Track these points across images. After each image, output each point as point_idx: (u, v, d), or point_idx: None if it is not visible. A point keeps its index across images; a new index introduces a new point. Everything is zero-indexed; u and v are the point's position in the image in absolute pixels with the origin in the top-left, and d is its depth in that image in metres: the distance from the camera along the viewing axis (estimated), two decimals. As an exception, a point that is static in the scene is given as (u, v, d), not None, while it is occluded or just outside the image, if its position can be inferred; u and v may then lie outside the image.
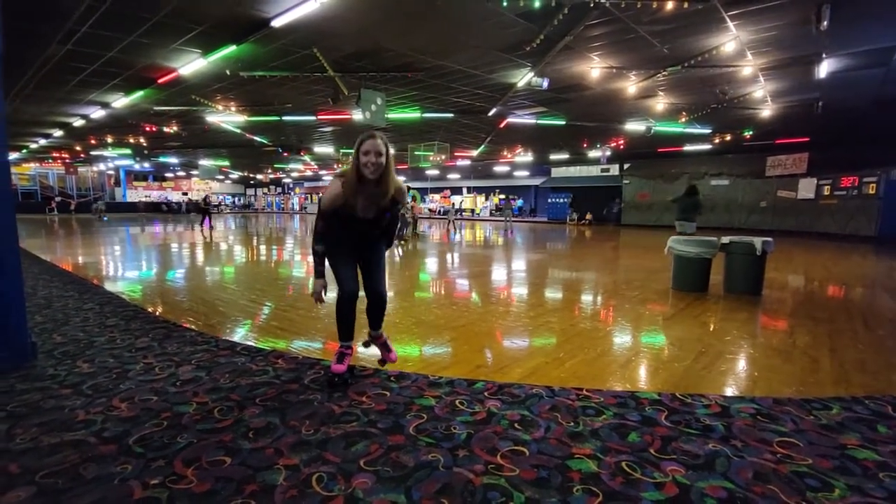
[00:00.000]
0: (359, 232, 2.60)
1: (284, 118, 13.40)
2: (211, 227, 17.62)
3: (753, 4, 5.76)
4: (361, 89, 9.50)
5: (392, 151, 2.48)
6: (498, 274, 7.63)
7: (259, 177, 39.97)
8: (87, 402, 2.39)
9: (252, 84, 9.81)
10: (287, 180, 44.72)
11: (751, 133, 14.81)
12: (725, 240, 5.70)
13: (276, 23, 6.37)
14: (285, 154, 22.34)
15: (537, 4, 5.59)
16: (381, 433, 2.07)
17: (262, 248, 11.89)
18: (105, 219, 24.33)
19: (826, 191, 16.76)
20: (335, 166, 26.84)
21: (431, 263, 8.89)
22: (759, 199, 19.31)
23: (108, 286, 5.85)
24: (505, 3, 5.60)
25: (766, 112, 11.55)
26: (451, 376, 2.81)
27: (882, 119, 12.13)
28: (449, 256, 10.06)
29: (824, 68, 7.96)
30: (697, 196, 9.33)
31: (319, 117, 13.25)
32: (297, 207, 46.02)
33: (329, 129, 15.92)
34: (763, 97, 10.31)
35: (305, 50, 7.75)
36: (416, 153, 19.36)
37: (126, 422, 2.18)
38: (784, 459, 1.89)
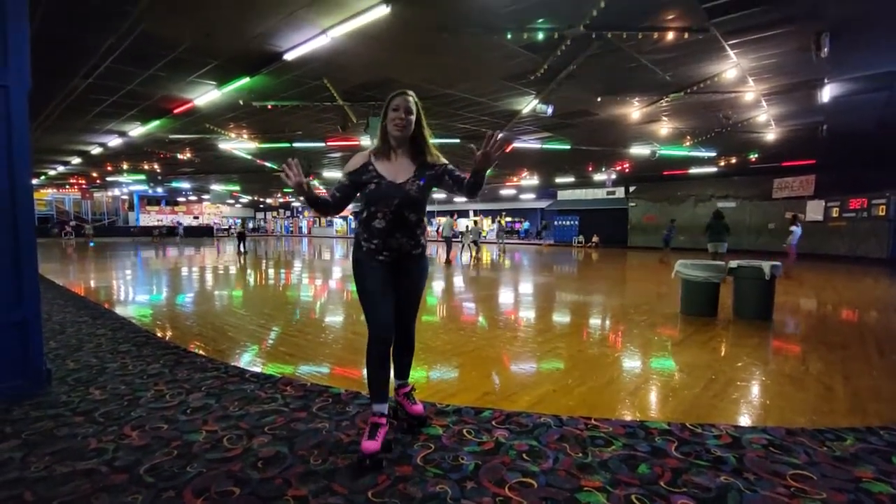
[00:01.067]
0: (392, 214, 2.12)
1: (295, 145, 13.73)
2: (244, 252, 18.00)
3: (752, 34, 5.89)
4: (370, 117, 9.75)
5: (423, 116, 2.22)
6: (505, 297, 7.63)
7: (269, 200, 40.64)
8: (100, 430, 2.42)
9: (264, 113, 10.11)
10: (296, 204, 45.37)
11: (756, 156, 14.87)
12: (733, 264, 5.68)
13: (289, 56, 6.62)
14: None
15: (541, 37, 5.77)
16: (388, 463, 2.07)
17: (271, 271, 12.01)
18: (92, 244, 25.09)
19: (834, 213, 16.68)
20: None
21: (437, 286, 8.92)
22: (767, 221, 19.22)
23: (120, 310, 5.94)
24: (509, 36, 5.79)
25: (771, 135, 11.63)
26: (458, 404, 2.81)
27: (887, 141, 12.15)
28: (456, 279, 10.08)
29: (827, 93, 8.05)
30: (723, 220, 10.44)
31: (329, 143, 13.56)
32: (305, 230, 46.57)
33: (338, 154, 16.25)
34: (767, 121, 10.41)
35: (316, 81, 8.01)
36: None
37: (137, 451, 2.20)
38: (798, 493, 1.86)
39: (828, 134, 10.97)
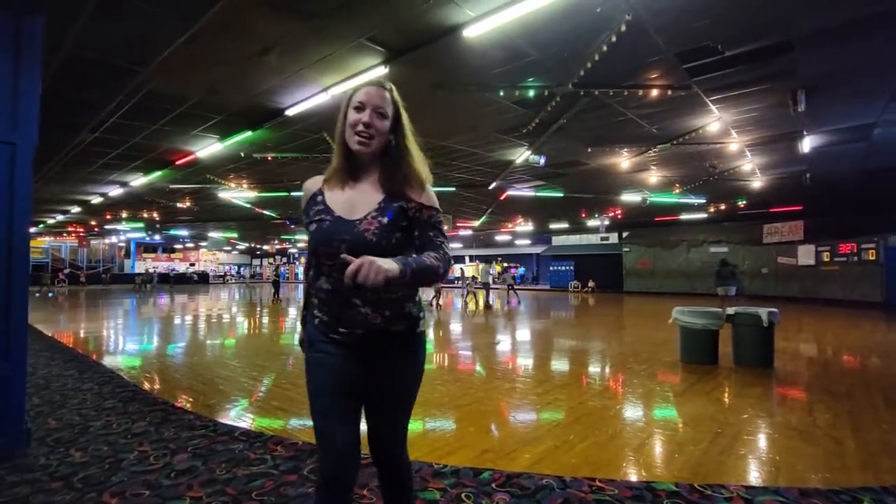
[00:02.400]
0: (341, 268, 1.23)
1: (293, 193, 13.97)
2: (278, 299, 18.01)
3: (732, 91, 6.21)
4: (368, 167, 9.98)
5: (408, 123, 1.46)
6: (503, 346, 7.51)
7: (265, 247, 40.78)
8: (78, 498, 2.29)
9: (263, 164, 10.35)
10: (293, 250, 45.50)
11: (744, 202, 15.23)
12: (731, 311, 5.67)
13: (290, 112, 6.87)
14: (293, 226, 22.97)
15: (532, 94, 6.04)
16: (383, 533, 1.96)
17: (265, 318, 11.84)
18: (54, 293, 24.50)
19: (826, 257, 16.89)
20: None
21: (432, 333, 8.79)
22: (760, 266, 19.40)
23: (108, 361, 5.78)
24: (502, 94, 6.06)
25: (757, 183, 11.96)
26: (456, 465, 2.69)
27: (870, 188, 12.52)
28: (453, 326, 9.96)
29: (807, 144, 8.37)
30: (730, 266, 12.30)
31: (327, 192, 13.79)
32: (301, 276, 46.46)
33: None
34: (752, 170, 10.75)
35: (315, 134, 8.27)
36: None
37: (116, 521, 2.07)
38: (816, 562, 1.76)
39: (812, 181, 11.30)
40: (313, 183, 1.49)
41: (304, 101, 6.50)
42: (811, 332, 9.14)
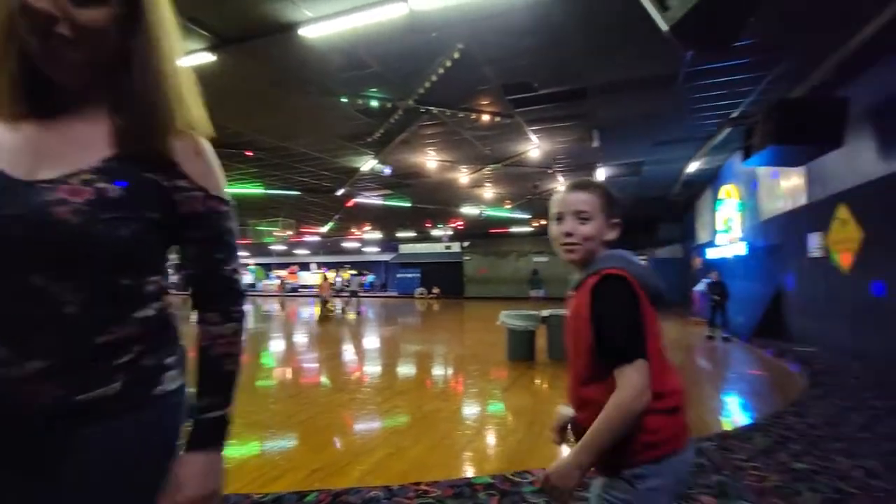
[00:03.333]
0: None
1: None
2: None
3: (546, 124, 7.25)
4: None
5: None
6: (347, 355, 7.36)
7: None
8: None
9: None
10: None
11: (560, 219, 17.93)
12: (545, 313, 6.56)
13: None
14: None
15: (374, 104, 6.11)
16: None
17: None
18: None
19: None
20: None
21: (276, 345, 8.14)
22: (569, 274, 23.04)
23: None
24: (345, 100, 5.99)
25: (568, 203, 14.18)
26: (279, 491, 2.51)
27: (643, 213, 15.96)
28: (297, 338, 9.37)
29: (601, 173, 10.24)
30: (538, 275, 19.40)
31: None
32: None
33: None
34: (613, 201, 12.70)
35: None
36: (259, 229, 18.35)
37: None
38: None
39: (606, 204, 13.88)
40: None
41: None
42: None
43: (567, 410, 1.20)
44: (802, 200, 7.25)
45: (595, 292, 1.07)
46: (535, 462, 2.91)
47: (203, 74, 5.53)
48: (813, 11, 4.22)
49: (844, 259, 6.09)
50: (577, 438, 1.08)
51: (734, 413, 4.42)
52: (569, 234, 1.17)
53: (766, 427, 3.49)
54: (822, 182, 6.63)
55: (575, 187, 1.20)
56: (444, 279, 26.66)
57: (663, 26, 2.56)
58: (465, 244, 26.24)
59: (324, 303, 13.93)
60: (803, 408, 4.02)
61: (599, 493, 1.08)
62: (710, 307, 8.42)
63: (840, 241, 6.19)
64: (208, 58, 4.87)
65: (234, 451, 3.19)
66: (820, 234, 6.65)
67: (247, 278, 35.64)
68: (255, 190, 12.24)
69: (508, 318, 6.47)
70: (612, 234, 1.22)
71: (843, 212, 6.07)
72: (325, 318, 13.51)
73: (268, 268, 34.68)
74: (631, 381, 0.97)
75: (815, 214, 6.85)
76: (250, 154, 8.90)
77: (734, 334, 8.45)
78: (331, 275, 31.82)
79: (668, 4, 2.41)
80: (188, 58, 4.92)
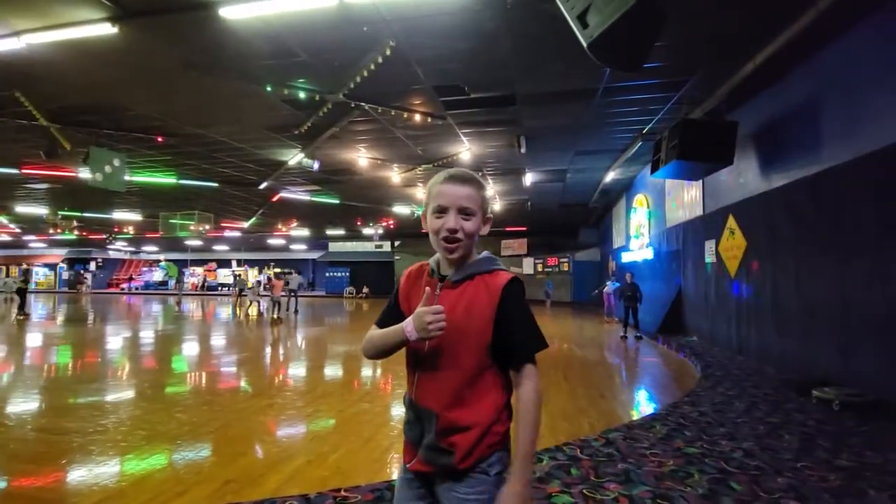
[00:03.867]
0: None
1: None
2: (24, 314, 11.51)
3: (477, 128, 7.41)
4: (91, 147, 7.86)
5: None
6: (272, 356, 6.98)
7: None
8: None
9: None
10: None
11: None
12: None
13: (-51, 52, 4.84)
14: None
15: (302, 95, 5.86)
16: None
17: None
18: None
19: (539, 268, 22.67)
20: (51, 231, 20.88)
21: (190, 349, 7.51)
22: (499, 273, 23.94)
23: None
24: (269, 89, 5.68)
25: (497, 206, 14.60)
26: (185, 507, 2.32)
27: (565, 217, 16.89)
28: (214, 339, 8.71)
29: (528, 179, 10.68)
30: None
31: (25, 171, 10.26)
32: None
33: (42, 186, 12.45)
34: (493, 195, 13.06)
35: (3, 91, 6.07)
36: (172, 221, 16.82)
37: None
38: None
39: (532, 208, 14.52)
40: None
41: (-22, 42, 4.68)
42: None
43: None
44: (699, 211, 8.09)
45: (507, 294, 1.06)
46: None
47: (102, 49, 5.03)
48: (710, 42, 4.72)
49: (731, 265, 6.88)
50: (421, 428, 1.06)
51: (641, 404, 4.81)
52: (453, 231, 1.10)
53: (665, 416, 3.84)
54: (715, 196, 7.44)
55: (459, 180, 1.10)
56: (374, 278, 26.29)
57: (583, 42, 2.72)
58: (397, 243, 26.06)
59: (274, 303, 12.46)
60: (697, 397, 4.48)
61: (455, 495, 1.01)
62: (624, 307, 9.09)
63: (728, 249, 6.98)
64: (108, 29, 4.37)
65: (132, 466, 2.89)
66: (713, 241, 7.46)
67: (157, 275, 32.76)
68: (167, 179, 11.21)
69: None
70: (485, 231, 1.17)
71: (731, 222, 6.85)
72: (248, 317, 12.69)
73: (182, 264, 31.97)
74: (537, 377, 1.03)
75: (709, 224, 7.68)
76: (161, 140, 8.14)
77: (644, 332, 9.22)
78: (252, 273, 30.06)
79: (587, 22, 2.56)
80: (82, 28, 4.39)
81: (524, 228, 20.89)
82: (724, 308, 7.19)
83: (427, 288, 1.06)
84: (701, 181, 7.48)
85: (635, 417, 4.04)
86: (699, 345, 7.48)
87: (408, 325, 1.03)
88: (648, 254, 11.25)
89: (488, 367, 1.05)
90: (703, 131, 5.41)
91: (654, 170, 6.43)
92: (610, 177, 10.51)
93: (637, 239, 12.42)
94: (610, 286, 12.80)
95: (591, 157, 9.17)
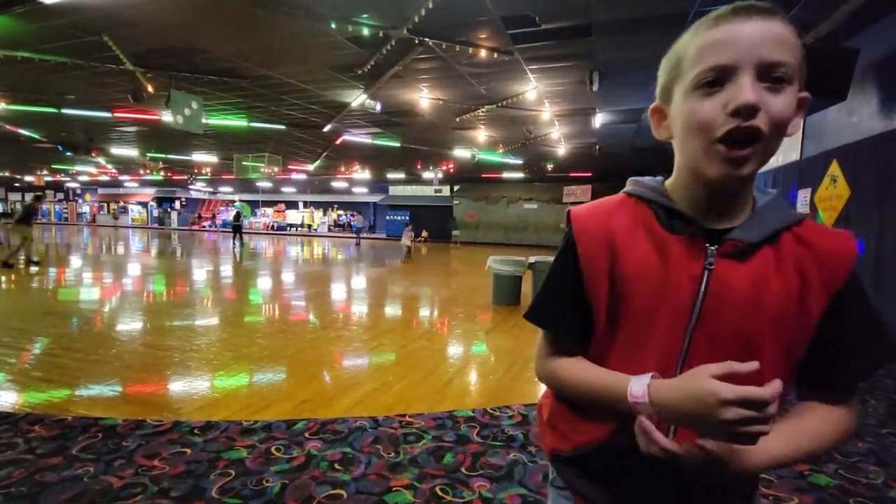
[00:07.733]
0: None
1: (65, 111, 10.87)
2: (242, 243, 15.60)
3: (546, 63, 6.91)
4: (172, 90, 8.30)
5: None
6: (336, 294, 7.43)
7: (29, 178, 31.40)
8: None
9: (14, 65, 7.72)
10: (73, 185, 36.18)
11: (551, 166, 17.63)
12: (532, 259, 6.62)
13: (47, -1, 5.16)
14: (69, 154, 18.08)
15: (366, 32, 5.72)
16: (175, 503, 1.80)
17: (33, 269, 9.30)
18: None
19: None
20: (141, 171, 22.89)
21: (263, 283, 8.18)
22: (559, 221, 23.10)
23: None
24: (333, 26, 5.59)
25: (562, 150, 13.90)
26: (269, 419, 2.61)
27: (638, 162, 15.77)
28: (285, 276, 9.41)
29: (598, 120, 9.96)
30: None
31: (116, 115, 11.12)
32: (89, 218, 37.61)
33: (132, 129, 13.49)
34: (559, 138, 12.40)
35: (93, 36, 6.46)
36: (245, 163, 17.77)
37: None
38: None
39: (600, 153, 13.66)
40: None
41: (68, -13, 4.95)
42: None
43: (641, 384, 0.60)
44: (794, 156, 7.21)
45: (855, 274, 0.63)
46: (514, 398, 3.05)
47: (177, -12, 5.01)
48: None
49: (828, 216, 6.17)
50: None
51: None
52: (752, 111, 0.56)
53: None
54: (817, 137, 6.56)
55: (756, 12, 0.56)
56: (434, 222, 26.58)
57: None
58: (456, 188, 25.93)
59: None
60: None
61: None
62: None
63: (826, 198, 6.23)
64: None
65: (223, 381, 3.27)
66: (808, 189, 6.68)
67: (231, 214, 35.40)
68: (239, 122, 11.70)
69: (496, 263, 6.53)
70: (796, 127, 0.66)
71: (834, 168, 6.06)
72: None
73: (255, 205, 34.11)
74: (856, 414, 0.66)
75: (805, 170, 6.85)
76: (232, 82, 8.40)
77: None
78: (318, 214, 31.46)
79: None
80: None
81: (589, 174, 19.85)
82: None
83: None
84: (802, 120, 6.59)
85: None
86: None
87: (639, 391, 0.58)
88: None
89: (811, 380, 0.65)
90: (814, 61, 4.67)
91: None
92: (691, 117, 9.55)
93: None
94: None
95: (671, 94, 8.32)
